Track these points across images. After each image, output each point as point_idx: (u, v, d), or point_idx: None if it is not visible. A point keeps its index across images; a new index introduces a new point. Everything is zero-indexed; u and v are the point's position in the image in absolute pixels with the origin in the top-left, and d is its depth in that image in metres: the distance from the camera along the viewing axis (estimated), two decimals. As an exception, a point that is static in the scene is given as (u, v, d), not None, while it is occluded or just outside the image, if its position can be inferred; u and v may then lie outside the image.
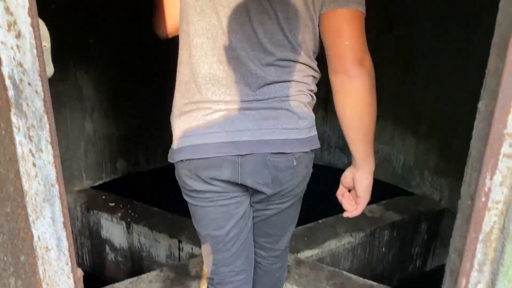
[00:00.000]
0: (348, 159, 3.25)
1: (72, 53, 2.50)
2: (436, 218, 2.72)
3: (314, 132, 1.20)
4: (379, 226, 2.49)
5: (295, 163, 1.15)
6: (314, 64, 1.16)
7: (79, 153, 2.70)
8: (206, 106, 1.11)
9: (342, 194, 1.27)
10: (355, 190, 1.22)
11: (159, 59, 2.85)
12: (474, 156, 0.63)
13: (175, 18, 1.17)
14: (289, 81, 1.12)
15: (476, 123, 0.62)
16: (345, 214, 1.27)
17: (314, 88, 1.20)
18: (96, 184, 2.87)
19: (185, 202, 1.27)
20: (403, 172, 2.97)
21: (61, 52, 2.42)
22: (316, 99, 1.22)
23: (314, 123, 1.20)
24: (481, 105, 0.62)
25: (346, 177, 1.25)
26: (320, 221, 2.48)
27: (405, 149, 2.92)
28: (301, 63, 1.12)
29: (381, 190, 3.07)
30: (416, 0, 2.63)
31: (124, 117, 2.89)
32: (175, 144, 1.17)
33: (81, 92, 2.61)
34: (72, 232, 2.69)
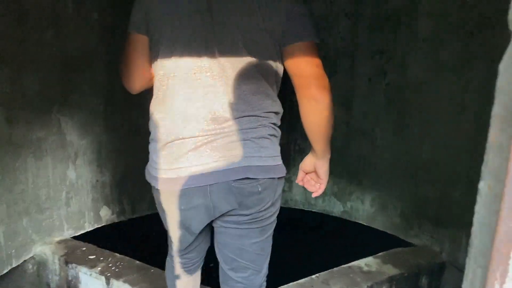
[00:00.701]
0: (343, 207, 3.12)
1: (55, 98, 2.42)
2: (437, 272, 2.56)
3: (278, 162, 1.33)
4: (376, 282, 2.32)
5: (259, 189, 1.28)
6: (276, 99, 1.33)
7: (60, 201, 2.57)
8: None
9: (301, 180, 1.50)
10: (316, 174, 1.44)
11: (145, 109, 2.80)
12: (477, 248, 0.51)
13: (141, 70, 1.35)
14: (253, 115, 1.26)
15: (477, 208, 0.51)
16: (314, 195, 1.49)
17: (277, 121, 1.35)
18: (78, 233, 2.72)
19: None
20: (401, 221, 2.83)
21: (43, 97, 2.35)
22: (280, 132, 1.36)
23: (279, 154, 1.34)
24: (482, 185, 0.51)
25: (307, 165, 1.45)
26: (313, 276, 2.33)
27: (403, 197, 2.80)
28: (265, 96, 1.28)
29: (379, 240, 2.95)
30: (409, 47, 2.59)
31: (108, 164, 2.78)
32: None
33: (64, 138, 2.51)
34: (49, 287, 2.52)
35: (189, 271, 1.59)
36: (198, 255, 1.59)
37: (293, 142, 3.27)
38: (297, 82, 1.25)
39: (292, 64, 1.25)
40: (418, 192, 2.71)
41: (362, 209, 3.04)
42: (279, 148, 1.36)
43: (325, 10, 2.95)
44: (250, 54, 1.22)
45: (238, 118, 1.24)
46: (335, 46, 2.94)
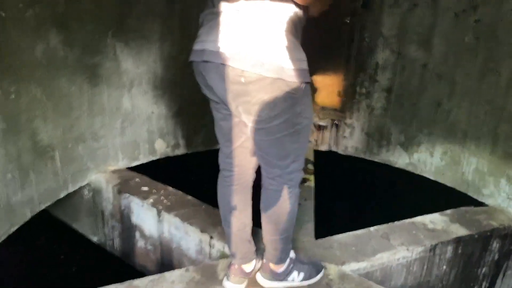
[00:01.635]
0: (409, 158, 2.87)
1: (111, 24, 2.30)
2: (511, 236, 2.31)
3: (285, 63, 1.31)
4: (442, 241, 2.12)
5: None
6: None
7: (116, 130, 2.53)
8: None
9: None
10: None
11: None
12: None
13: None
14: None
15: None
16: None
17: None
18: (133, 164, 2.70)
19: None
20: (474, 178, 2.56)
21: (98, 22, 2.24)
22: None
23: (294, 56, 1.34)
24: None
25: None
26: (371, 228, 2.16)
27: (479, 151, 2.50)
28: None
29: (446, 197, 2.70)
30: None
31: (165, 95, 2.68)
32: None
33: (120, 66, 2.42)
34: (103, 214, 2.55)
35: (238, 185, 1.64)
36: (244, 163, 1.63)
37: (360, 85, 3.00)
38: None
39: None
40: (498, 148, 2.40)
41: (431, 162, 2.77)
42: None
43: None
44: None
45: None
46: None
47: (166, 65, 2.62)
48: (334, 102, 3.28)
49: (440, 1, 2.50)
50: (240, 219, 1.67)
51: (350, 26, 2.97)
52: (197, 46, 1.42)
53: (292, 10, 1.33)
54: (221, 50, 1.32)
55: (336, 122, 3.19)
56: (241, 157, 1.61)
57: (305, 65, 1.38)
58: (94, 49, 2.27)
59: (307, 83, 1.40)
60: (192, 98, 2.74)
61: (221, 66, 1.33)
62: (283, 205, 1.56)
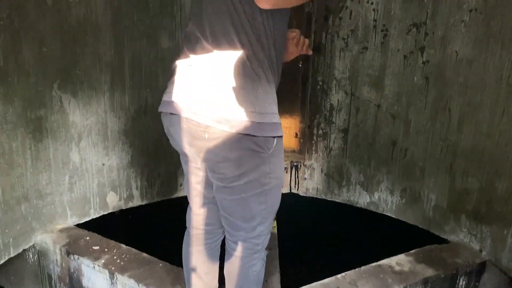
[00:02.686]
0: (370, 198, 2.85)
1: (56, 76, 2.19)
2: (476, 272, 2.30)
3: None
4: (410, 284, 2.08)
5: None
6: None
7: (63, 186, 2.37)
8: None
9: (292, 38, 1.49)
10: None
11: (154, 88, 2.56)
12: None
13: None
14: None
15: None
16: (309, 51, 1.57)
17: None
18: (82, 221, 2.52)
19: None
20: (435, 214, 2.56)
21: (41, 74, 2.12)
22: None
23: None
24: None
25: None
26: (339, 276, 2.09)
27: (437, 188, 2.52)
28: None
29: (409, 235, 2.69)
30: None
31: (116, 146, 2.56)
32: None
33: (67, 118, 2.29)
34: (51, 278, 2.34)
35: (207, 245, 1.56)
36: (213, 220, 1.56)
37: (316, 127, 3.00)
38: None
39: None
40: (455, 183, 2.43)
41: (391, 200, 2.77)
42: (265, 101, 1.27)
43: (355, -20, 2.64)
44: None
45: None
46: (365, 19, 2.64)
47: (116, 115, 2.51)
48: (292, 144, 3.26)
49: (388, 44, 2.57)
50: (205, 282, 1.55)
51: (304, 69, 3.00)
52: (165, 97, 1.39)
53: (253, 56, 1.23)
54: (186, 103, 1.25)
55: (295, 163, 3.15)
56: (210, 214, 1.50)
57: (275, 118, 1.27)
58: (37, 103, 2.14)
59: (278, 137, 1.28)
60: (145, 147, 2.64)
61: (185, 120, 1.25)
62: (247, 272, 1.45)
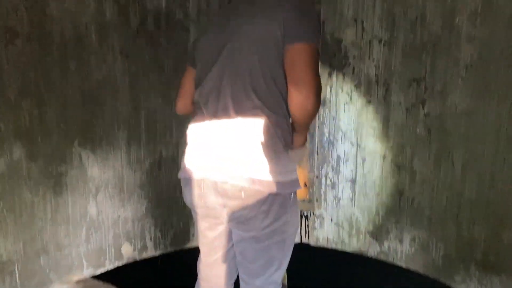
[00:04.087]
0: (380, 247, 2.88)
1: (76, 134, 2.35)
2: (488, 324, 2.28)
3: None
4: (420, 336, 2.07)
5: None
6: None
7: (80, 238, 2.47)
8: None
9: None
10: None
11: (168, 143, 2.70)
12: None
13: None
14: None
15: None
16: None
17: None
18: (98, 272, 2.60)
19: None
20: (445, 264, 2.57)
21: (63, 133, 2.28)
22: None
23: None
24: None
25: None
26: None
27: (445, 237, 2.54)
28: None
29: (420, 286, 2.68)
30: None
31: (131, 198, 2.67)
32: None
33: (85, 173, 2.43)
34: (66, 330, 2.38)
35: None
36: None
37: (324, 176, 3.08)
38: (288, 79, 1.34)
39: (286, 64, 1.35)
40: (463, 232, 2.46)
41: (401, 249, 2.78)
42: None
43: (356, 36, 2.81)
44: None
45: None
46: (367, 74, 2.78)
47: (132, 168, 2.64)
48: (302, 194, 3.33)
49: (391, 98, 2.69)
50: None
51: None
52: (189, 163, 1.49)
53: (273, 117, 1.38)
54: (217, 168, 1.40)
55: (305, 213, 3.21)
56: (224, 267, 1.60)
57: (295, 175, 1.46)
58: (58, 159, 2.29)
59: (295, 192, 1.48)
60: (159, 199, 2.74)
61: (219, 183, 1.39)
62: None
